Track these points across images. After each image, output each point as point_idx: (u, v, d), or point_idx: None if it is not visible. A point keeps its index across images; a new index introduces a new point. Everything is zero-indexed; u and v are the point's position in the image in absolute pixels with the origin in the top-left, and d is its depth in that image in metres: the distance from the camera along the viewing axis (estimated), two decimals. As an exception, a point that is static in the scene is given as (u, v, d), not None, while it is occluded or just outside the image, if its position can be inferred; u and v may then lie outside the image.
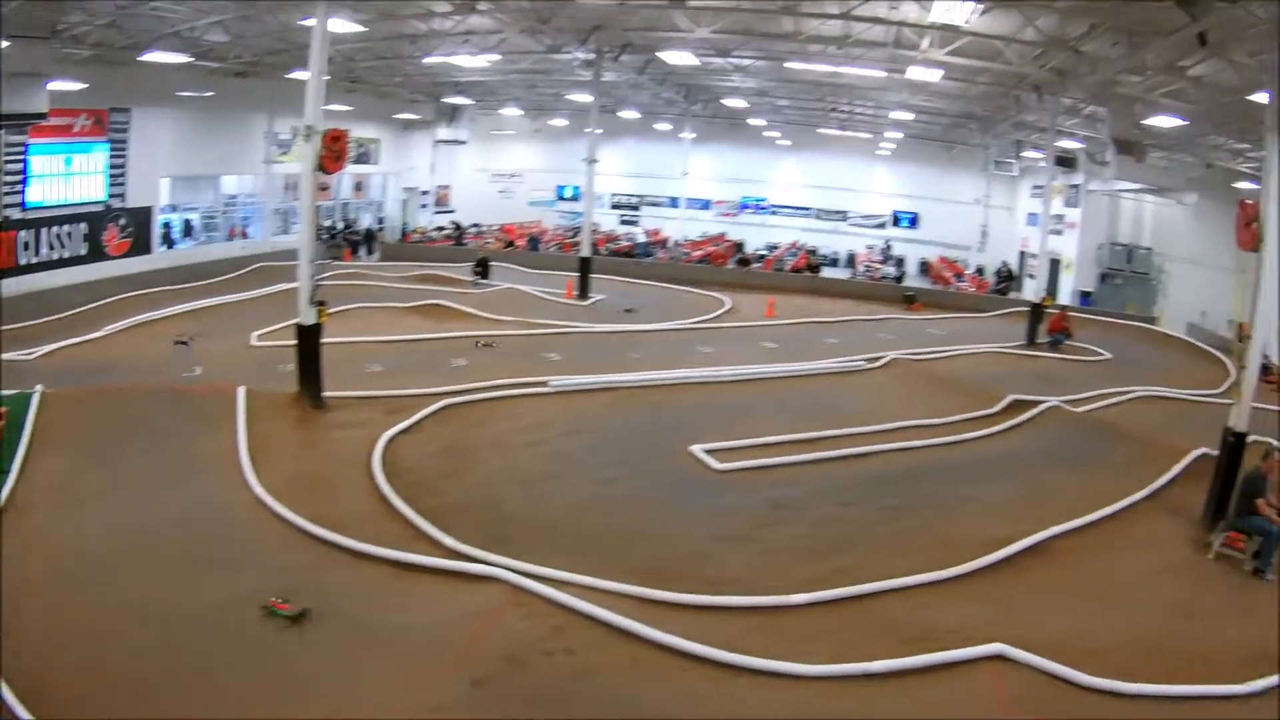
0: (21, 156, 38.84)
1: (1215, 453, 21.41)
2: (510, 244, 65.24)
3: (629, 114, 70.28)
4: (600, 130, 50.21)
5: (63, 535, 15.62)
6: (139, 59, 37.89)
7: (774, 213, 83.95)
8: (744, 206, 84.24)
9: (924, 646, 13.60)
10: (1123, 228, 64.78)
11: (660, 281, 51.58)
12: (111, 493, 17.49)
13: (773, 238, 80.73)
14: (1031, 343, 42.13)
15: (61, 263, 41.13)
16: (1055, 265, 63.03)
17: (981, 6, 28.98)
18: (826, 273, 68.11)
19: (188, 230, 51.44)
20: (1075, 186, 62.72)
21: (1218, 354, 40.57)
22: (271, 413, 22.15)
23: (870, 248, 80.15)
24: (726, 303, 45.71)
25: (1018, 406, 28.59)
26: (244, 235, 55.34)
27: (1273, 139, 19.84)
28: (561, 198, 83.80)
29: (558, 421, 24.33)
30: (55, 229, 40.90)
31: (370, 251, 58.30)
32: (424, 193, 75.40)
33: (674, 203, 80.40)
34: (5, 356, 25.16)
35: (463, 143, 74.30)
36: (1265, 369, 33.04)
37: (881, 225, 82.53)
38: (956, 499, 21.18)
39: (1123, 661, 13.71)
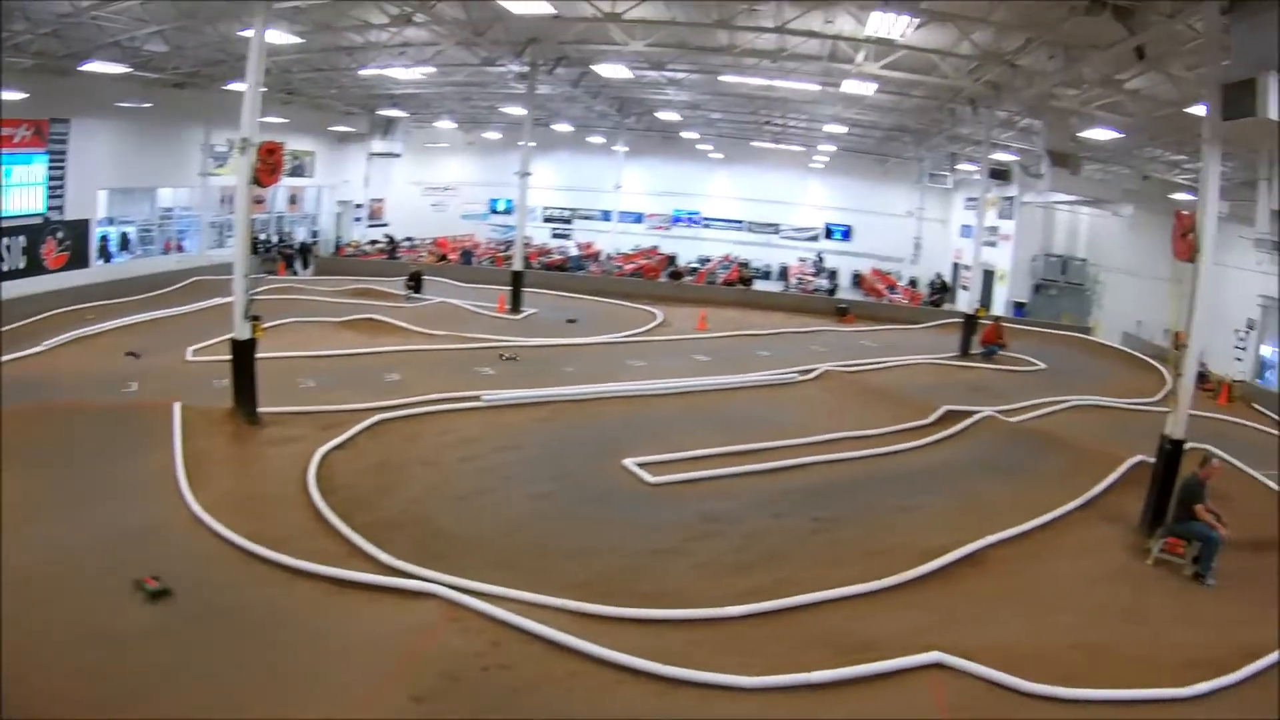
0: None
1: (1152, 460, 21.71)
2: (443, 258, 65.02)
3: (562, 127, 70.64)
4: (534, 143, 50.50)
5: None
6: (79, 69, 37.58)
7: (707, 226, 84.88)
8: (676, 220, 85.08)
9: (862, 656, 13.54)
10: (1058, 239, 66.00)
11: (593, 295, 51.50)
12: (47, 512, 17.23)
13: (705, 251, 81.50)
14: (965, 354, 42.48)
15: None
16: (989, 277, 63.99)
17: (917, 20, 29.00)
18: (759, 285, 68.95)
19: (124, 243, 50.76)
20: (1010, 199, 63.52)
21: (1154, 363, 41.23)
22: (207, 429, 22.07)
23: (803, 260, 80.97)
24: (659, 316, 45.88)
25: (952, 417, 28.87)
26: (180, 249, 54.71)
27: (1210, 151, 20.19)
28: (494, 211, 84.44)
29: (491, 436, 24.33)
30: (-6, 241, 40.36)
31: (306, 265, 58.01)
32: (358, 206, 74.74)
33: (606, 216, 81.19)
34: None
35: (397, 155, 74.10)
36: (1202, 377, 33.70)
37: (814, 238, 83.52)
38: (891, 510, 21.36)
39: (1063, 667, 13.80)
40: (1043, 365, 40.87)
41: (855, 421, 28.03)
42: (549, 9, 29.36)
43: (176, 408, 22.20)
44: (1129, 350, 46.73)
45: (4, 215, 39.89)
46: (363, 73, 44.99)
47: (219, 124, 51.09)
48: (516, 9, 29.09)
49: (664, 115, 62.16)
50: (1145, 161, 49.38)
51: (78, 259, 44.42)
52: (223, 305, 31.39)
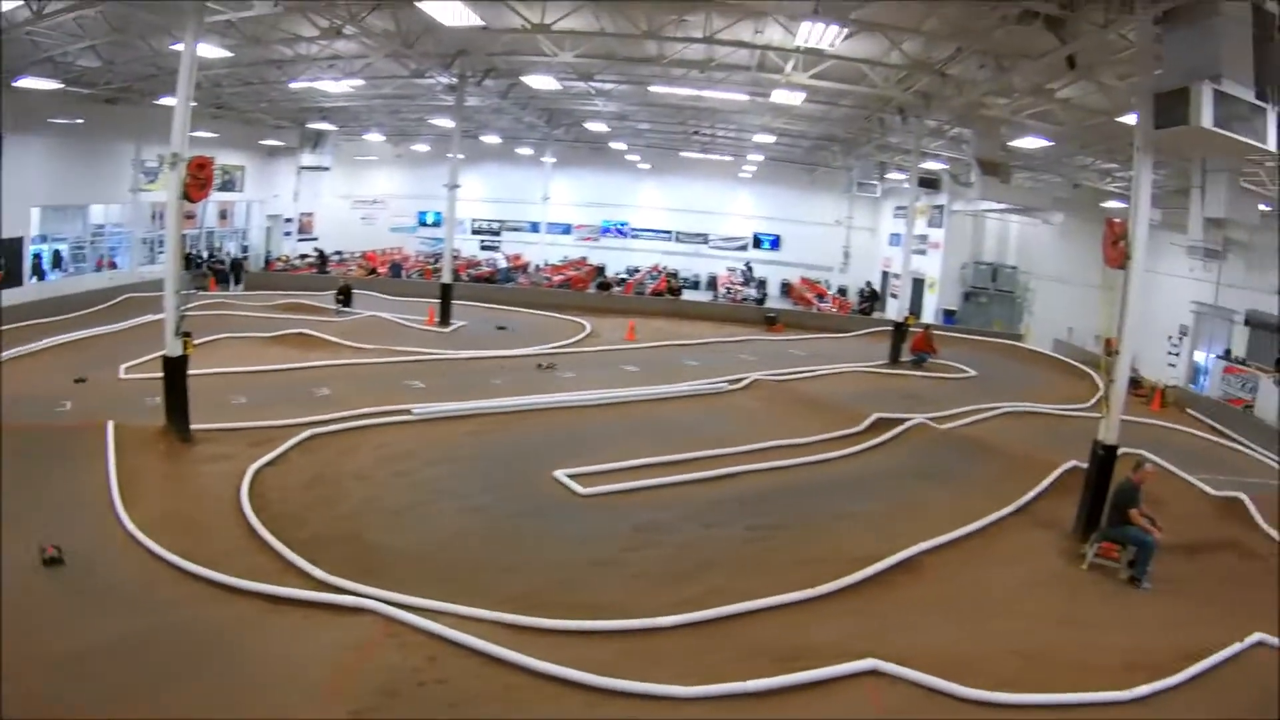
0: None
1: (1085, 466, 21.88)
2: (372, 271, 65.10)
3: (491, 139, 71.00)
4: (462, 155, 50.41)
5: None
6: (13, 84, 37.29)
7: (635, 236, 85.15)
8: (605, 231, 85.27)
9: (798, 664, 13.63)
10: (988, 247, 66.74)
11: (521, 307, 51.56)
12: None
13: (634, 261, 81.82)
14: (895, 361, 42.73)
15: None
16: (919, 285, 65.00)
17: (846, 31, 29.12)
18: (688, 295, 69.04)
19: (57, 261, 50.19)
20: (939, 207, 64.09)
21: (1085, 369, 41.68)
22: (140, 447, 21.85)
23: (731, 270, 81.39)
24: (588, 327, 45.95)
25: (882, 424, 29.09)
26: (113, 265, 54.19)
27: (1141, 159, 20.33)
28: (423, 224, 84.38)
29: (422, 450, 24.27)
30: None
31: (238, 281, 57.54)
32: (288, 220, 74.48)
33: (535, 227, 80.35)
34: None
35: (326, 169, 73.57)
36: (1135, 383, 33.94)
37: (743, 247, 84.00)
38: (824, 517, 21.55)
39: (1001, 673, 13.94)
40: (973, 372, 41.35)
41: (786, 430, 28.19)
42: (478, 20, 29.41)
43: (110, 427, 22.04)
44: (1060, 357, 47.55)
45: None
46: (293, 86, 44.79)
47: (150, 139, 50.84)
48: (446, 20, 29.03)
49: (592, 126, 62.38)
50: (1076, 170, 50.09)
51: (12, 277, 43.81)
52: (155, 322, 30.69)
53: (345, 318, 42.93)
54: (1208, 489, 24.65)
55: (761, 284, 78.29)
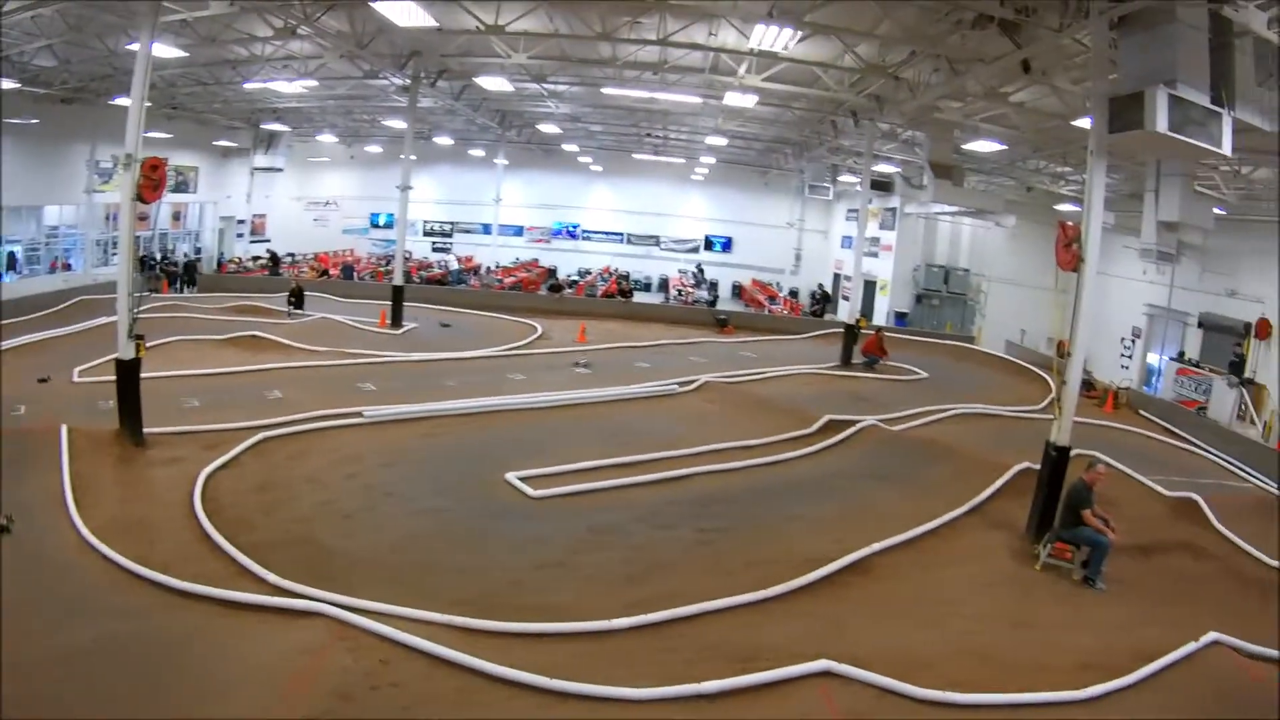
0: None
1: (1038, 467, 21.94)
2: (324, 273, 64.66)
3: (443, 140, 71.58)
4: (415, 157, 50.31)
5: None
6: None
7: (587, 238, 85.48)
8: (557, 233, 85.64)
9: (751, 666, 13.65)
10: (940, 249, 67.13)
11: (473, 309, 51.20)
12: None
13: (586, 263, 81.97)
14: (846, 364, 42.84)
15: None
16: (871, 287, 65.30)
17: (800, 33, 29.31)
18: (639, 297, 68.81)
19: (11, 263, 49.99)
20: (891, 210, 64.25)
21: (1038, 371, 42.04)
22: (94, 451, 21.62)
23: (683, 272, 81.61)
24: (539, 329, 45.85)
25: (834, 426, 29.12)
26: (67, 267, 53.98)
27: (1095, 163, 20.38)
28: (375, 225, 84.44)
29: (374, 453, 24.12)
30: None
31: (191, 283, 56.90)
32: (240, 222, 74.14)
33: (487, 229, 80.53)
34: None
35: (279, 170, 73.63)
36: (1087, 384, 34.16)
37: (695, 249, 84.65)
38: (776, 519, 21.48)
39: (955, 673, 13.99)
40: (925, 374, 41.45)
41: (738, 432, 28.19)
42: (431, 21, 29.63)
43: (63, 431, 21.81)
44: (1012, 359, 47.64)
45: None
46: (247, 86, 44.82)
47: (105, 140, 50.67)
48: (400, 21, 29.14)
49: (545, 128, 62.68)
50: (1029, 173, 50.68)
51: (-33, 280, 43.11)
52: (108, 325, 30.64)
53: (297, 320, 42.62)
54: (1161, 490, 24.84)
55: (713, 286, 78.59)
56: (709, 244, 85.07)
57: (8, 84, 37.94)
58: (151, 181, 22.20)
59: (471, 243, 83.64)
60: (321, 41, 35.08)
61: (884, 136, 45.76)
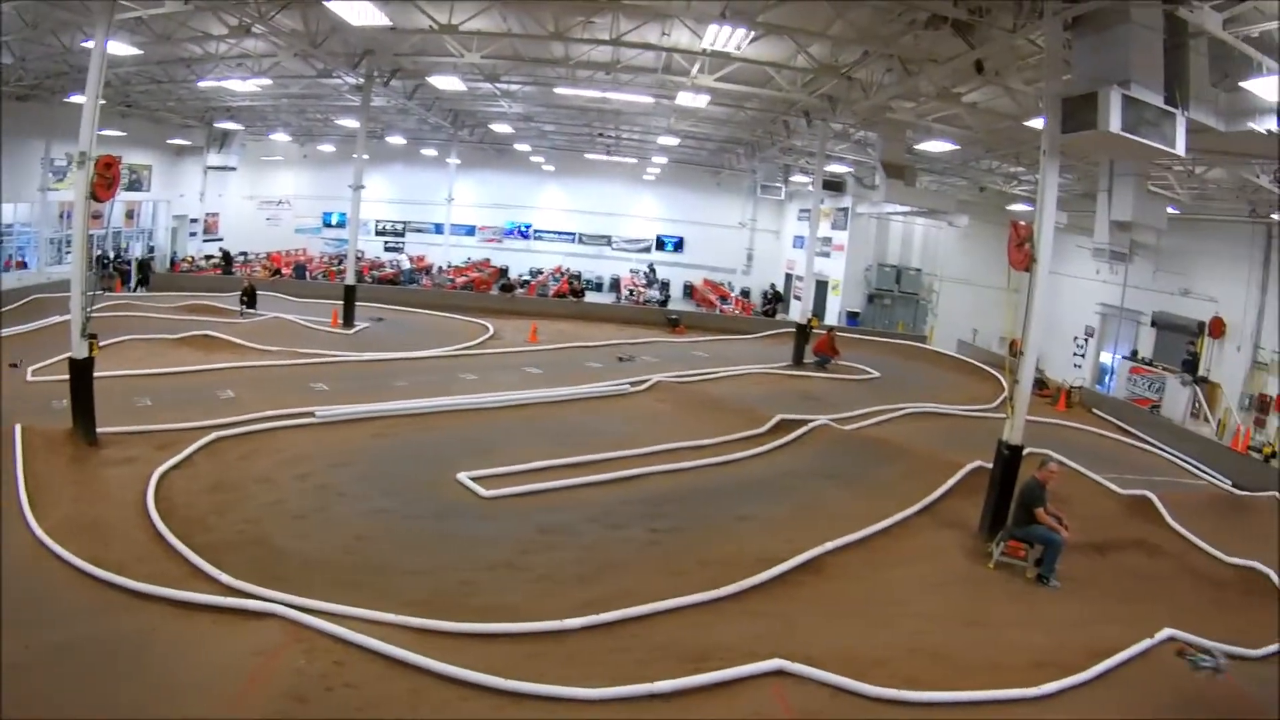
0: None
1: (990, 465, 22.05)
2: (277, 272, 64.43)
3: (396, 140, 71.78)
4: (367, 156, 50.99)
5: None
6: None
7: (539, 238, 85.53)
8: (509, 232, 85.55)
9: (704, 665, 13.68)
10: (892, 249, 67.35)
11: (424, 308, 51.11)
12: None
13: (537, 263, 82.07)
14: (798, 363, 42.84)
15: None
16: (823, 287, 65.44)
17: (753, 33, 29.40)
18: (591, 297, 69.08)
19: (-35, 261, 49.21)
20: (844, 209, 64.48)
21: (990, 370, 42.27)
22: (48, 451, 21.44)
23: (634, 272, 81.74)
24: (491, 329, 45.78)
25: (786, 426, 29.11)
26: (21, 265, 53.47)
27: (1048, 163, 20.45)
28: (328, 225, 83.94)
29: (326, 453, 24.00)
30: None
31: (145, 282, 56.47)
32: (193, 221, 73.52)
33: (439, 229, 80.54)
34: None
35: (232, 169, 73.27)
36: (1040, 383, 34.38)
37: (646, 249, 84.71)
38: (728, 519, 21.50)
39: (908, 672, 14.04)
40: (877, 374, 41.57)
41: (689, 432, 28.22)
42: (385, 20, 29.74)
43: (17, 430, 21.62)
44: (964, 358, 47.90)
45: None
46: (201, 84, 44.79)
47: (60, 137, 50.34)
48: (354, 20, 29.13)
49: (497, 128, 62.97)
50: (982, 173, 51.04)
51: (-79, 278, 42.77)
52: (61, 323, 30.65)
53: (250, 319, 42.38)
54: (1115, 488, 25.01)
55: (665, 286, 78.99)
56: (661, 244, 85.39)
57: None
58: (105, 180, 22.02)
59: (424, 242, 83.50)
60: (276, 40, 35.11)
61: (836, 137, 46.12)
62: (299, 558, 17.31)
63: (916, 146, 43.80)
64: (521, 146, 74.54)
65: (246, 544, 17.66)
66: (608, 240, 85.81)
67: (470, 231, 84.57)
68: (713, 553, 19.04)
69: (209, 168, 71.27)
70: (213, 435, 23.65)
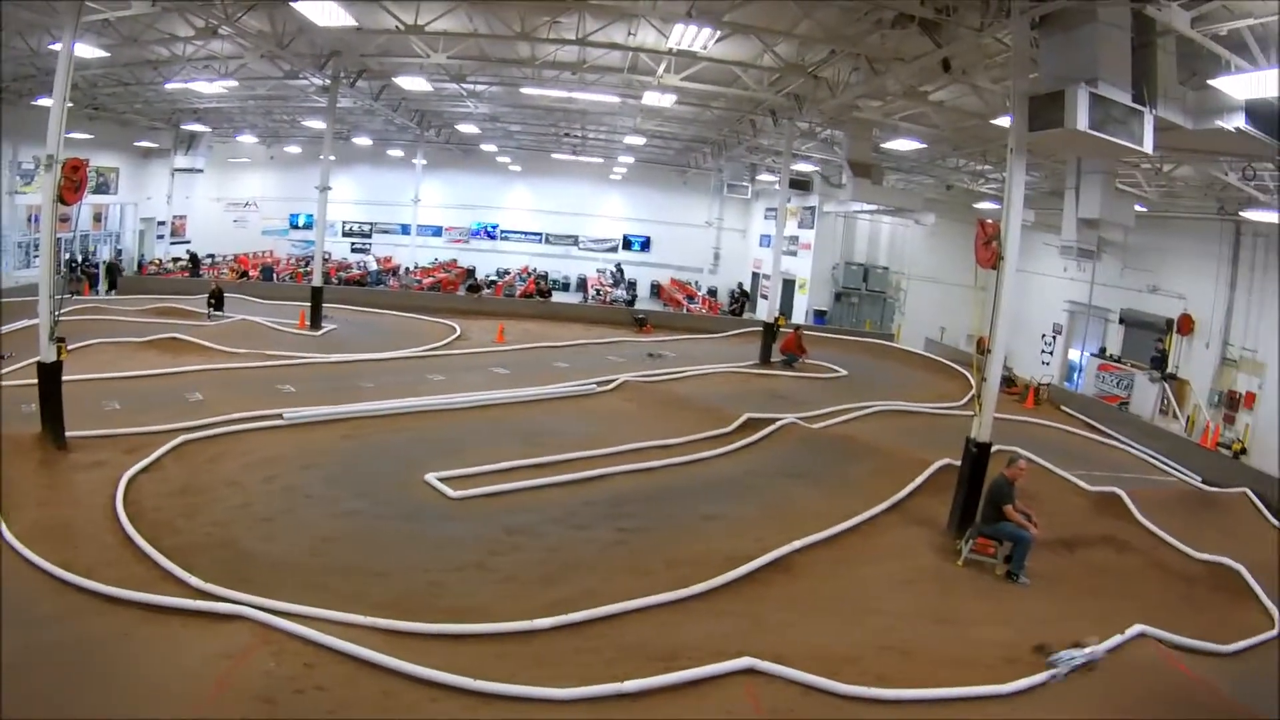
0: None
1: (958, 463, 22.13)
2: (244, 274, 64.08)
3: (362, 141, 71.74)
4: (334, 157, 50.63)
5: None
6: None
7: (505, 238, 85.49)
8: (475, 233, 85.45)
9: (674, 664, 13.76)
10: (859, 248, 67.40)
11: (392, 309, 51.26)
12: None
13: (504, 263, 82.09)
14: (765, 362, 42.87)
15: None
16: (790, 286, 65.44)
17: (719, 33, 29.40)
18: (558, 297, 69.05)
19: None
20: (810, 208, 64.50)
21: (958, 368, 42.38)
22: (17, 455, 21.35)
23: (601, 271, 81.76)
24: (458, 329, 45.82)
25: (753, 424, 29.19)
26: (-9, 270, 52.91)
27: (1015, 161, 20.53)
28: (295, 226, 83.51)
29: (294, 455, 23.91)
30: None
31: (113, 286, 55.94)
32: (161, 223, 73.07)
33: (405, 230, 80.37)
34: None
35: (199, 171, 73.12)
36: (1008, 381, 34.50)
37: (613, 249, 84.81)
38: (695, 518, 21.56)
39: (878, 669, 14.18)
40: (844, 372, 41.83)
41: (656, 431, 28.25)
42: (351, 21, 29.64)
43: (-14, 434, 21.56)
44: (932, 356, 48.18)
45: None
46: (168, 86, 44.58)
47: (26, 141, 50.16)
48: (320, 20, 29.02)
49: (464, 128, 62.95)
50: (949, 171, 51.30)
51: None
52: (29, 327, 30.27)
53: (217, 322, 42.32)
54: (1084, 484, 25.19)
55: (631, 285, 79.03)
56: (627, 243, 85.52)
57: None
58: (73, 183, 21.93)
59: (390, 243, 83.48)
60: (242, 41, 34.99)
61: (803, 135, 46.15)
62: (267, 560, 17.28)
63: (883, 145, 44.03)
64: (488, 147, 74.64)
65: (215, 546, 17.62)
66: (575, 240, 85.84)
67: (437, 232, 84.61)
68: (680, 552, 19.08)
69: (176, 170, 71.07)
70: (181, 438, 23.58)
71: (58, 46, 24.43)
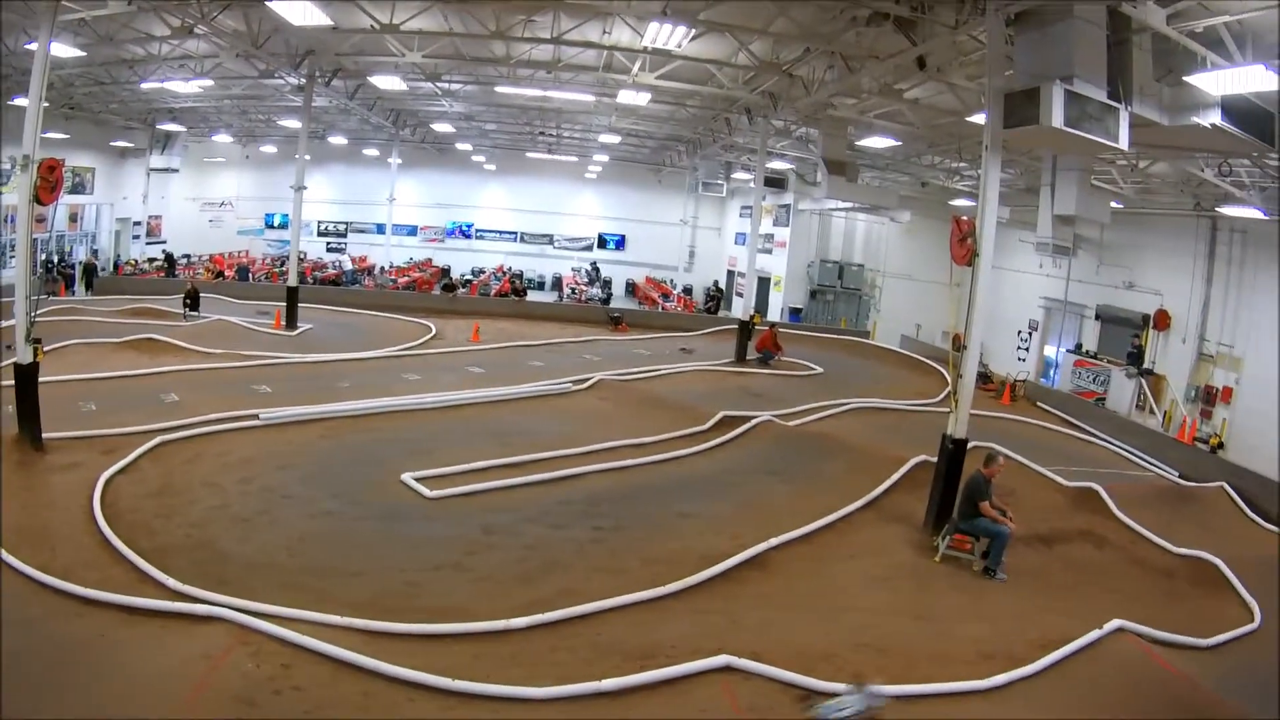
0: None
1: (934, 460, 22.23)
2: (220, 274, 63.70)
3: (337, 140, 71.58)
4: (309, 157, 50.42)
5: None
6: None
7: (480, 237, 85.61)
8: (450, 232, 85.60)
9: (651, 663, 13.87)
10: (834, 245, 67.51)
11: (367, 309, 51.44)
12: None
13: (479, 262, 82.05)
14: (741, 360, 43.03)
15: None
16: (765, 284, 65.64)
17: (694, 31, 29.39)
18: (533, 296, 68.77)
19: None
20: (785, 206, 64.95)
21: (933, 365, 42.65)
22: (-7, 457, 21.39)
23: (576, 270, 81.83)
24: (433, 329, 45.84)
25: (728, 423, 29.21)
26: (-34, 271, 52.43)
27: (990, 158, 20.53)
28: (270, 226, 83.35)
29: (270, 455, 23.83)
30: None
31: (89, 287, 55.51)
32: (136, 224, 72.60)
33: (380, 229, 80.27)
34: None
35: (175, 171, 72.53)
36: (984, 377, 34.59)
37: (588, 248, 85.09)
38: (671, 516, 21.63)
39: (855, 665, 14.16)
40: (820, 370, 41.99)
41: (632, 430, 28.29)
42: (326, 20, 29.44)
43: (-37, 439, 21.47)
44: (908, 353, 48.37)
45: None
46: (144, 86, 44.47)
47: (2, 140, 48.61)
48: (295, 20, 29.00)
49: (439, 127, 63.03)
50: (924, 169, 51.50)
51: None
52: (6, 328, 30.28)
53: (193, 322, 42.11)
54: (1061, 480, 25.34)
55: (607, 284, 79.01)
56: (602, 242, 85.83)
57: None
58: (49, 183, 21.89)
59: (365, 243, 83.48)
60: (218, 41, 34.93)
61: (778, 133, 46.15)
62: (244, 561, 17.24)
63: (858, 143, 44.03)
64: (463, 146, 74.82)
65: (192, 548, 17.59)
66: (550, 239, 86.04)
67: (412, 232, 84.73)
68: (657, 550, 19.14)
69: (152, 170, 70.58)
70: (157, 439, 23.49)
71: (33, 46, 24.31)
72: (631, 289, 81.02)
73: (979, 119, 25.03)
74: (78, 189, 62.72)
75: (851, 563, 19.35)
